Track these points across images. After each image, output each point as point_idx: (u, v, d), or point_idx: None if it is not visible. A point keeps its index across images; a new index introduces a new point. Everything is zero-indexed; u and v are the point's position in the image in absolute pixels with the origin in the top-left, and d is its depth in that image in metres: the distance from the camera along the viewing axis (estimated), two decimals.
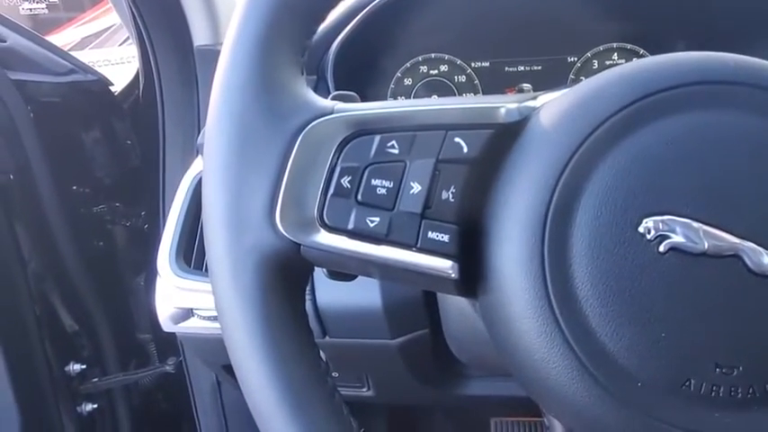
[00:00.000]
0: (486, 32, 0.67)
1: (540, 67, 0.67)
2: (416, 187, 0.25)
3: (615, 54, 0.66)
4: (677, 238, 0.23)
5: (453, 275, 0.25)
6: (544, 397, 0.27)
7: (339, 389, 0.68)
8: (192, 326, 0.54)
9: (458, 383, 0.61)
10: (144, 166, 0.87)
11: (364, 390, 0.67)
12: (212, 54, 0.65)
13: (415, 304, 0.51)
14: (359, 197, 0.25)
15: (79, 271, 0.81)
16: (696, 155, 0.24)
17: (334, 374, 0.66)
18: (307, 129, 0.26)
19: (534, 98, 0.29)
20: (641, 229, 0.23)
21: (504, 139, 0.27)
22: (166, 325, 0.55)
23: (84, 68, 0.72)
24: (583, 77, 0.67)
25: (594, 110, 0.25)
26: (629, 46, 0.66)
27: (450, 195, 0.26)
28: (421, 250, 0.25)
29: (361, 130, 0.26)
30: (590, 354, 0.23)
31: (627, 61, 0.63)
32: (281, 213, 0.25)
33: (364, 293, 0.49)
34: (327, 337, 0.52)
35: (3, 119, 0.66)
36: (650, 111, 0.24)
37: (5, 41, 0.66)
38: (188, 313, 0.54)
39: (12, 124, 0.66)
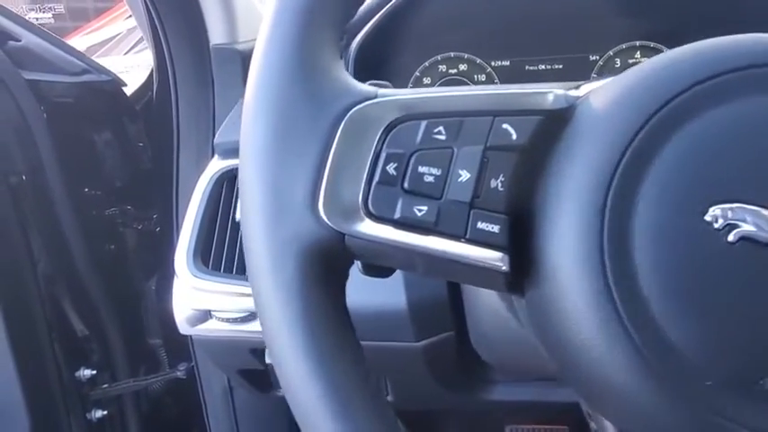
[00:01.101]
0: (505, 31, 0.66)
1: (561, 66, 0.66)
2: (465, 175, 0.24)
3: (638, 52, 0.65)
4: (747, 227, 0.22)
5: (504, 268, 0.24)
6: (599, 398, 0.25)
7: None
8: (210, 328, 0.53)
9: (480, 388, 0.59)
10: (156, 168, 0.86)
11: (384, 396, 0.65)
12: (229, 53, 0.64)
13: (440, 305, 0.49)
14: (405, 185, 0.24)
15: (90, 274, 0.80)
16: (766, 139, 0.22)
17: None
18: (350, 113, 0.24)
19: (577, 87, 0.28)
20: (708, 218, 0.22)
21: (554, 125, 0.26)
22: (183, 327, 0.54)
23: (98, 69, 0.71)
24: None
25: (654, 93, 0.24)
26: (652, 44, 0.65)
27: (500, 184, 0.25)
28: (470, 241, 0.24)
29: (407, 115, 0.25)
30: (654, 349, 0.22)
31: None
32: (324, 201, 0.24)
33: (389, 294, 0.48)
34: None
35: (16, 119, 0.65)
36: (715, 93, 0.23)
37: (20, 41, 0.65)
38: (205, 315, 0.52)
39: (25, 124, 0.65)
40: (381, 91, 0.26)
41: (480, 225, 0.24)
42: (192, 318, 0.53)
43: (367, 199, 0.24)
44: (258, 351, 0.56)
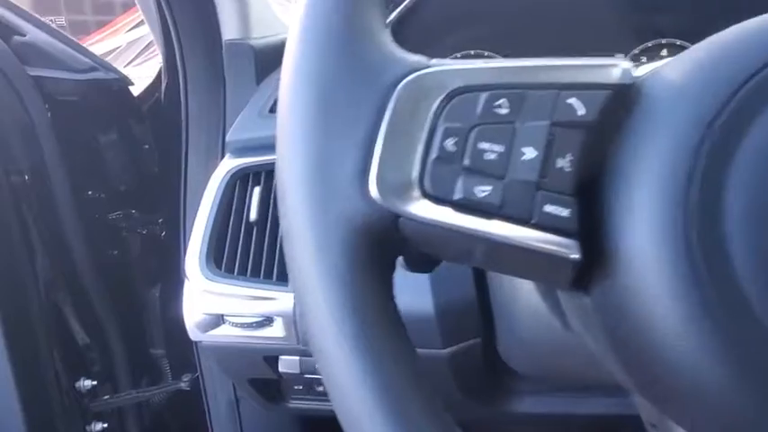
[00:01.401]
0: (527, 28, 0.64)
1: None
2: (530, 153, 0.22)
3: (665, 50, 0.63)
4: None
5: (575, 256, 0.22)
6: (680, 403, 0.22)
7: None
8: (223, 334, 0.50)
9: (507, 399, 0.56)
10: (162, 171, 0.83)
11: None
12: (242, 49, 0.62)
13: (469, 310, 0.47)
14: (465, 162, 0.21)
15: (92, 280, 0.77)
16: None
17: None
18: (403, 83, 0.22)
19: (635, 67, 0.26)
20: None
21: (623, 101, 0.23)
22: (193, 333, 0.51)
23: (105, 66, 0.69)
24: None
25: (742, 62, 0.21)
26: (678, 42, 0.63)
27: (567, 164, 0.22)
28: (537, 226, 0.21)
29: (466, 86, 0.22)
30: (754, 345, 0.19)
31: None
32: (376, 179, 0.21)
33: (415, 298, 0.45)
34: None
35: (20, 117, 0.62)
36: None
37: (25, 35, 0.63)
38: (218, 320, 0.50)
39: (29, 122, 0.63)
40: (434, 60, 0.23)
41: (548, 208, 0.22)
42: (204, 323, 0.50)
43: (423, 177, 0.21)
44: (271, 359, 0.53)
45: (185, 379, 0.83)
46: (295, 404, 0.65)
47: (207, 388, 0.79)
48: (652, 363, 0.22)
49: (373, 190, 0.21)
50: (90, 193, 0.76)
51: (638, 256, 0.21)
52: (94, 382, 0.79)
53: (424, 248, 0.23)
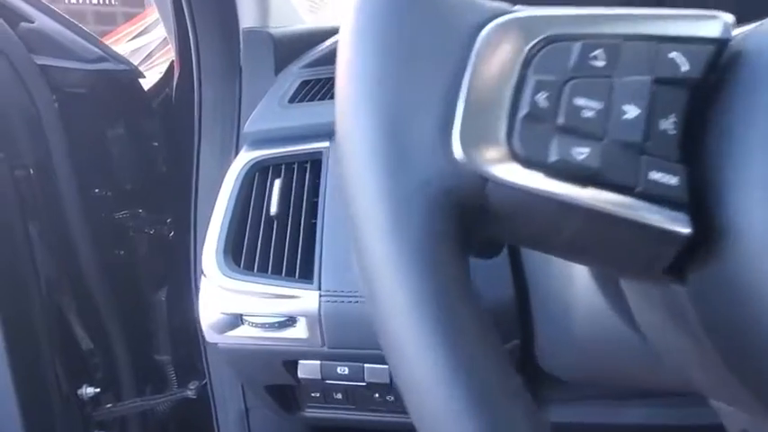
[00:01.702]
0: None
1: None
2: (632, 111, 0.19)
3: None
4: None
5: (686, 230, 0.18)
6: None
7: (387, 415, 0.59)
8: (241, 335, 0.46)
9: (540, 407, 0.53)
10: (171, 170, 0.80)
11: None
12: (260, 37, 0.59)
13: (506, 311, 0.43)
14: (560, 120, 0.18)
15: (97, 281, 0.74)
16: None
17: (389, 398, 0.57)
18: (486, 29, 0.19)
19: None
20: None
21: (728, 58, 0.20)
22: (209, 335, 0.47)
23: (116, 57, 0.66)
24: None
25: None
26: None
27: (671, 126, 0.19)
28: (643, 195, 0.18)
29: (557, 35, 0.19)
30: None
31: None
32: (461, 137, 0.18)
33: None
34: None
35: (26, 107, 0.59)
36: None
37: (32, 22, 0.60)
38: (236, 320, 0.46)
39: (35, 113, 0.60)
40: (518, 6, 0.20)
41: (654, 175, 0.18)
42: (221, 323, 0.46)
43: (511, 137, 0.18)
44: (291, 363, 0.50)
45: (192, 387, 0.79)
46: (311, 413, 0.61)
47: (215, 396, 0.75)
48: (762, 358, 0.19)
49: (457, 149, 0.18)
50: (96, 190, 0.73)
51: (757, 234, 0.18)
52: (97, 390, 0.75)
53: (507, 222, 0.19)
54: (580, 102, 0.18)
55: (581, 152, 0.18)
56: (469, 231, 0.19)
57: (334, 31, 0.64)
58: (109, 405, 0.76)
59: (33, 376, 0.67)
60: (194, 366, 0.86)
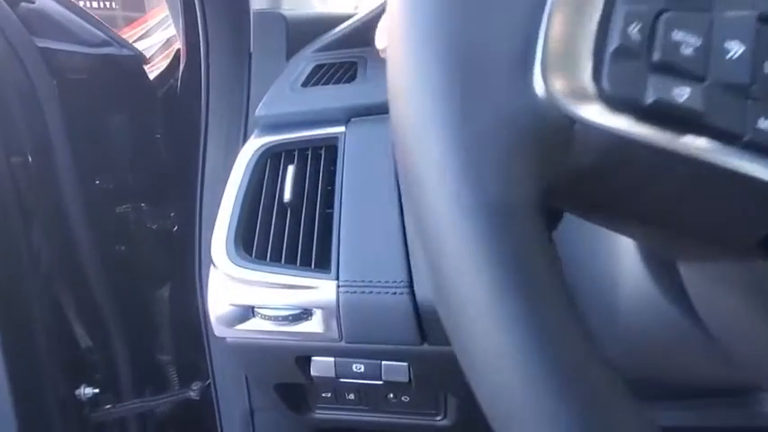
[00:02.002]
0: None
1: None
2: (736, 49, 0.16)
3: None
4: None
5: None
6: None
7: (402, 417, 0.56)
8: (252, 329, 0.43)
9: None
10: (175, 163, 0.78)
11: (438, 418, 0.55)
12: (273, 19, 0.57)
13: None
14: (655, 56, 0.16)
15: (97, 277, 0.71)
16: None
17: (405, 398, 0.54)
18: None
19: None
20: None
21: None
22: (218, 329, 0.44)
23: (120, 42, 0.63)
24: None
25: None
26: None
27: None
28: (751, 145, 0.16)
29: None
30: None
31: None
32: (542, 70, 0.15)
33: None
34: (426, 344, 0.42)
35: (25, 91, 0.56)
36: None
37: (33, 2, 0.57)
38: (247, 313, 0.43)
39: (34, 98, 0.57)
40: None
41: (763, 123, 0.16)
42: (230, 316, 0.43)
43: (600, 74, 0.16)
44: (303, 360, 0.47)
45: (195, 387, 0.76)
46: (321, 414, 0.58)
47: (220, 397, 0.72)
48: None
49: (539, 85, 0.15)
50: (97, 182, 0.70)
51: None
52: (96, 390, 0.72)
53: (592, 173, 0.17)
54: (678, 36, 0.16)
55: (681, 93, 0.15)
56: (550, 183, 0.16)
57: (347, 17, 0.62)
58: (108, 406, 0.73)
59: (29, 375, 0.64)
60: (197, 366, 0.83)
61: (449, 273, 0.15)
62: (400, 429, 0.58)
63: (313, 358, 0.47)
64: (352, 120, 0.50)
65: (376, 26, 0.44)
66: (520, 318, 0.14)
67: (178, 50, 0.71)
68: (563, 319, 0.15)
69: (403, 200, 0.42)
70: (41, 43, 0.57)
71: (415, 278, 0.40)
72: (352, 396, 0.55)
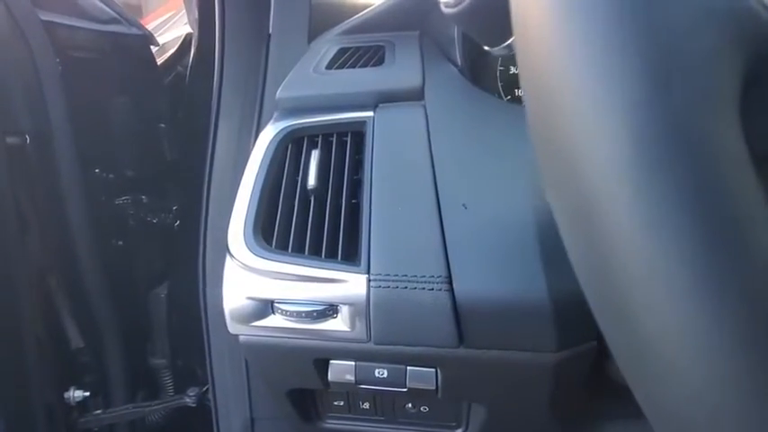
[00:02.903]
0: None
1: None
2: None
3: None
4: None
5: None
6: None
7: (423, 430, 0.51)
8: (270, 326, 0.39)
9: (607, 424, 0.46)
10: (179, 154, 0.74)
11: (459, 431, 0.51)
12: (296, 1, 0.53)
13: (583, 302, 0.37)
14: None
15: (91, 273, 0.66)
16: None
17: (424, 409, 0.50)
18: None
19: None
20: None
21: None
22: (233, 326, 0.40)
23: (129, 21, 0.60)
24: None
25: None
26: None
27: None
28: None
29: None
30: None
31: None
32: None
33: (526, 282, 0.36)
34: (462, 347, 0.38)
35: (26, 67, 0.52)
36: None
37: None
38: (266, 308, 0.39)
39: (35, 75, 0.53)
40: None
41: None
42: (247, 311, 0.39)
43: None
44: (321, 363, 0.43)
45: (192, 393, 0.71)
46: (330, 424, 0.54)
47: (218, 404, 0.67)
48: None
49: None
50: (97, 170, 0.66)
51: None
52: (86, 393, 0.67)
53: None
54: None
55: None
56: (753, 91, 0.13)
57: (370, 4, 0.59)
58: (97, 411, 0.68)
59: (14, 376, 0.59)
60: (194, 371, 0.78)
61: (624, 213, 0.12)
62: None
63: (332, 362, 0.43)
64: (381, 105, 0.47)
65: (403, 11, 0.41)
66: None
67: (188, 35, 0.67)
68: None
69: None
70: (45, 16, 0.53)
71: (454, 273, 0.36)
72: (366, 405, 0.51)
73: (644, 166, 0.12)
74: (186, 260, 0.66)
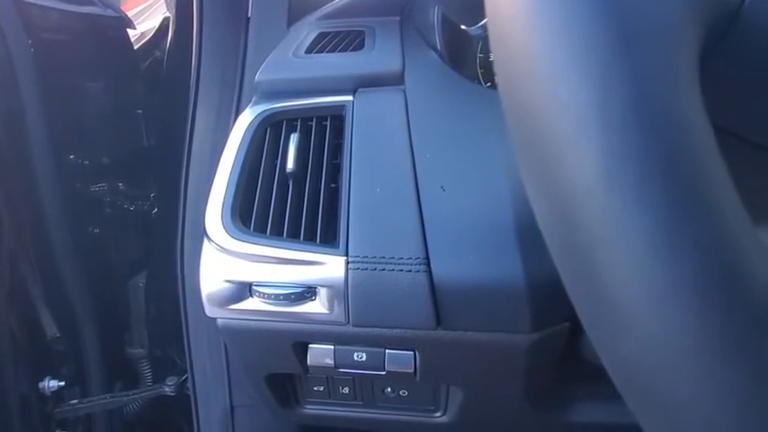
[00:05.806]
0: None
1: None
2: None
3: None
4: None
5: None
6: None
7: (402, 414, 0.52)
8: (248, 308, 0.39)
9: (577, 405, 0.47)
10: (156, 140, 0.73)
11: (438, 414, 0.52)
12: None
13: (556, 283, 0.38)
14: None
15: (67, 261, 0.65)
16: None
17: (403, 393, 0.51)
18: None
19: None
20: None
21: None
22: (210, 309, 0.40)
23: (104, 2, 0.58)
24: None
25: None
26: None
27: None
28: None
29: None
30: None
31: None
32: None
33: (502, 264, 0.36)
34: (440, 328, 0.38)
35: None
36: None
37: None
38: (244, 291, 0.39)
39: (7, 56, 0.52)
40: None
41: None
42: (225, 294, 0.39)
43: None
44: (300, 347, 0.43)
45: (170, 382, 0.70)
46: (310, 410, 0.54)
47: (197, 393, 0.67)
48: None
49: None
50: (72, 156, 0.65)
51: None
52: (61, 383, 0.66)
53: (756, 52, 0.13)
54: None
55: None
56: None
57: None
58: (74, 401, 0.67)
59: None
60: (173, 360, 0.78)
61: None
62: (394, 426, 0.54)
63: (311, 345, 0.43)
64: (360, 89, 0.47)
65: None
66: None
67: (166, 18, 0.66)
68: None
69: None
70: None
71: (432, 255, 0.37)
72: (346, 390, 0.51)
73: (610, 135, 0.13)
74: (165, 249, 0.65)
